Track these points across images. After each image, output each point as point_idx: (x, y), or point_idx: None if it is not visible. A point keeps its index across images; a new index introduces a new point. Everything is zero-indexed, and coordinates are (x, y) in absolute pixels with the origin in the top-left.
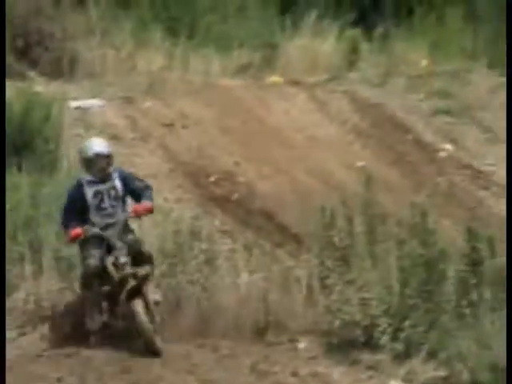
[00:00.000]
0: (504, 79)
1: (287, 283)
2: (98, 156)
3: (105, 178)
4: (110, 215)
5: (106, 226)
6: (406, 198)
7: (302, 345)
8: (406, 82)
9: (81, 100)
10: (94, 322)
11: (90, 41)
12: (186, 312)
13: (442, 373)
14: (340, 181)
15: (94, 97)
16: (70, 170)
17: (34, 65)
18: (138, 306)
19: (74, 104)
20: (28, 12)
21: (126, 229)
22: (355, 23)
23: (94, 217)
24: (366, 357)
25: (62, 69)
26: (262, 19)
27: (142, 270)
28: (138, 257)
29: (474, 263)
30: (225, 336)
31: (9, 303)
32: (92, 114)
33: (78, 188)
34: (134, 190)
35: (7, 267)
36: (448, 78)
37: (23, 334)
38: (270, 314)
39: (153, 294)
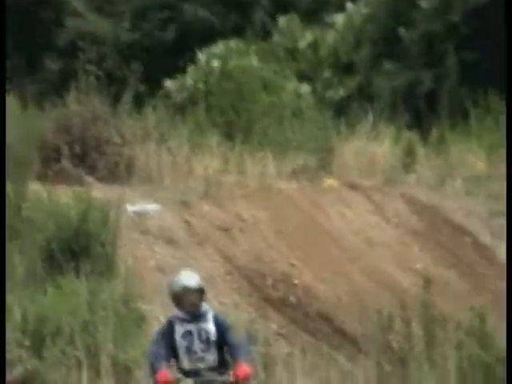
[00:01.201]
0: None
1: None
2: (188, 290)
3: (197, 316)
4: (201, 360)
5: (196, 373)
6: (464, 300)
7: None
8: (462, 184)
9: (138, 204)
10: None
11: (147, 146)
12: None
13: None
14: (398, 283)
15: (150, 201)
16: (127, 275)
17: (92, 170)
18: None
19: (131, 208)
20: (86, 119)
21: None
22: (410, 126)
23: (184, 360)
24: None
25: (120, 174)
26: (317, 122)
27: None
28: None
29: None
30: None
31: None
32: (149, 218)
33: (168, 326)
34: (230, 342)
35: (65, 372)
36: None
37: None
38: None
39: None
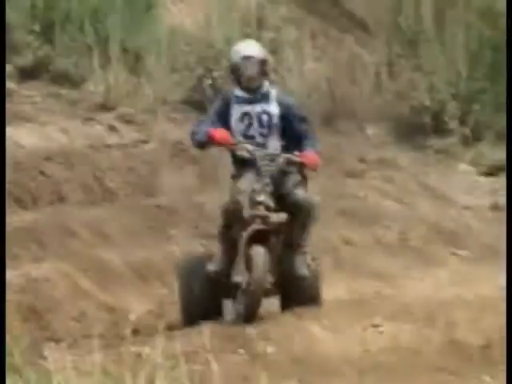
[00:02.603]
0: None
1: (354, 70)
2: (248, 60)
3: (257, 95)
4: (260, 146)
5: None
6: None
7: (370, 131)
8: None
9: None
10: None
11: None
12: None
13: None
14: None
15: None
16: None
17: None
18: (259, 255)
19: None
20: None
21: (288, 173)
22: None
23: None
24: (435, 141)
25: None
26: None
27: (277, 217)
28: (293, 209)
29: None
30: None
31: (76, 94)
32: None
33: (223, 105)
34: (296, 128)
35: (75, 59)
36: None
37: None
38: (338, 101)
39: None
